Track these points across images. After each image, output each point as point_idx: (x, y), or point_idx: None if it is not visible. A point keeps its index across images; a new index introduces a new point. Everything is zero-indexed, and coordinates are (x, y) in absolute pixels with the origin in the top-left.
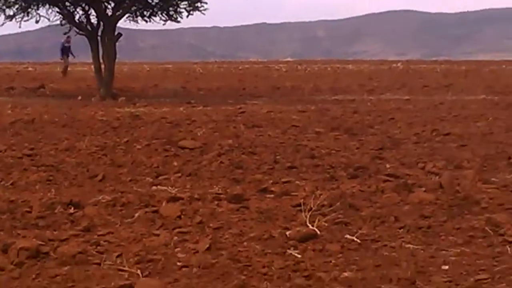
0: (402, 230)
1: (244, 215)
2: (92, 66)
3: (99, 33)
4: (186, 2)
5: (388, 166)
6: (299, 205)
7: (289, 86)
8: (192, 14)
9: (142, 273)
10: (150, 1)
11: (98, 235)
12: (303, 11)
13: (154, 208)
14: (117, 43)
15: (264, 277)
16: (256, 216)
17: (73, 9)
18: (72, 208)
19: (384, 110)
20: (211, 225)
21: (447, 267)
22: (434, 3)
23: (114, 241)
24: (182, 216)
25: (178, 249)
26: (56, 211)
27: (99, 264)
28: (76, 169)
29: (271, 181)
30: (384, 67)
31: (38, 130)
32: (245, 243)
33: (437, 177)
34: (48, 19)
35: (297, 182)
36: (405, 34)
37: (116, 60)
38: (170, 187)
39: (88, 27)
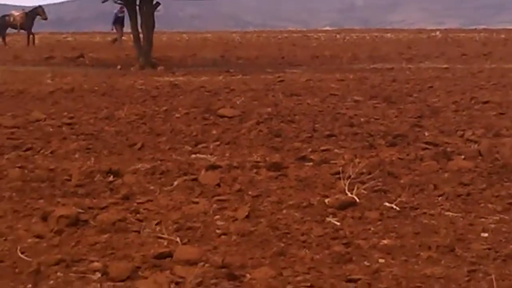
0: (441, 198)
1: (283, 183)
2: (131, 36)
3: (138, 2)
4: None
5: (427, 134)
6: (338, 173)
7: (328, 55)
8: None
9: (181, 241)
10: None
11: (137, 203)
12: None
13: (193, 176)
14: (155, 13)
15: (303, 244)
16: (295, 184)
17: None
18: (111, 176)
19: (422, 79)
20: (250, 193)
21: (486, 234)
22: None
23: (153, 209)
24: (221, 184)
25: (217, 217)
26: (95, 179)
27: (138, 231)
28: (115, 138)
29: (309, 149)
30: (423, 35)
31: (78, 99)
32: (284, 211)
33: (476, 145)
34: None
35: (335, 150)
36: (443, 3)
37: (155, 30)
38: (209, 155)
39: None
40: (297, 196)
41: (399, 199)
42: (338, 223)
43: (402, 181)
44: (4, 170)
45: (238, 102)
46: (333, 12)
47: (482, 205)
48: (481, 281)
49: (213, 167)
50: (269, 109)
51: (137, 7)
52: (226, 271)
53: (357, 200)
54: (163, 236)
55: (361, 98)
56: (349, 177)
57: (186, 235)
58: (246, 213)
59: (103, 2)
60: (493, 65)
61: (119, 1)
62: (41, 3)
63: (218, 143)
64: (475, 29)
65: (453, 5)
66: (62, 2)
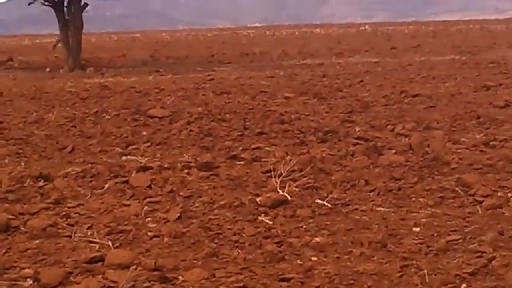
0: (372, 193)
1: (215, 183)
2: (59, 38)
3: (65, 4)
4: None
5: (357, 129)
6: (269, 171)
7: (258, 52)
8: None
9: (113, 245)
10: None
11: (68, 208)
12: None
13: (124, 179)
14: (84, 14)
15: (235, 244)
16: (227, 184)
17: None
18: (42, 181)
19: (352, 73)
20: (181, 194)
21: (418, 229)
22: None
23: (84, 213)
24: (152, 186)
25: (149, 219)
26: (25, 184)
27: (69, 236)
28: (45, 142)
29: (241, 148)
30: (352, 30)
31: (7, 103)
32: (216, 211)
33: (407, 138)
34: None
35: (267, 148)
36: None
37: (84, 31)
38: (139, 157)
39: None
40: (229, 196)
41: (330, 195)
42: (270, 222)
43: (333, 178)
44: None
45: (168, 102)
46: (262, 8)
47: (413, 199)
48: (414, 276)
49: (144, 168)
50: (200, 108)
51: (65, 9)
52: (158, 274)
53: (289, 198)
54: (94, 240)
55: (291, 94)
56: (281, 175)
57: (117, 238)
58: (178, 215)
59: (29, 4)
60: (422, 58)
61: (46, 3)
62: None
63: (148, 144)
64: (404, 22)
65: None
66: None
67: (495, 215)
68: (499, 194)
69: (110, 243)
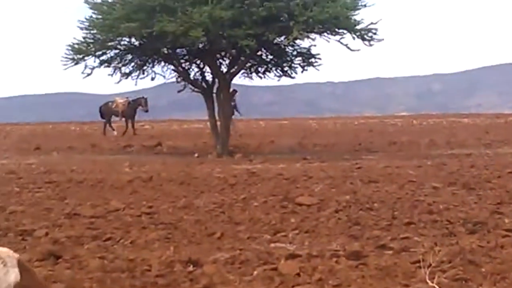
0: None
1: (363, 272)
2: (208, 123)
3: (214, 90)
4: (300, 58)
5: (507, 221)
6: (418, 261)
7: (405, 141)
8: (306, 70)
9: None
10: (265, 57)
11: None
12: (417, 65)
13: (273, 266)
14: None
15: None
16: (375, 273)
17: (188, 67)
18: (191, 266)
19: (502, 164)
20: (330, 282)
21: None
22: None
23: None
24: (301, 274)
25: None
26: (175, 269)
27: None
28: (194, 227)
29: (389, 237)
30: (500, 120)
31: (156, 188)
32: None
33: None
34: (164, 77)
35: (415, 238)
36: None
37: (232, 117)
38: (288, 244)
39: (203, 84)
40: (378, 286)
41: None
42: None
43: (483, 270)
44: (84, 261)
45: (316, 190)
46: (409, 97)
47: None
48: None
49: (292, 256)
50: (348, 197)
51: (214, 95)
52: None
53: None
54: None
55: (439, 184)
56: (430, 265)
57: None
58: None
59: (179, 92)
60: None
61: (196, 90)
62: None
63: (297, 231)
64: None
65: None
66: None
67: None
68: None
69: None
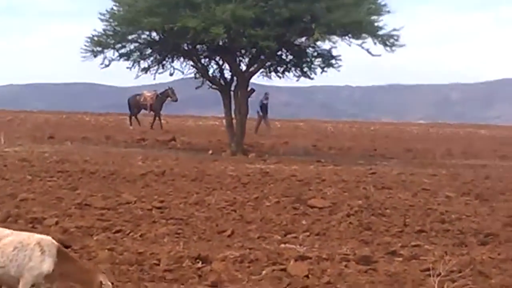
0: None
1: (373, 278)
2: (224, 121)
3: (232, 88)
4: (320, 59)
5: None
6: (428, 269)
7: (421, 148)
8: (326, 71)
9: None
10: (284, 57)
11: None
12: (437, 73)
13: (282, 266)
14: (249, 99)
15: None
16: (384, 279)
17: (207, 63)
18: (200, 263)
19: None
20: (338, 286)
21: None
22: None
23: None
24: (310, 276)
25: None
26: (184, 264)
27: None
28: (205, 224)
29: (400, 244)
30: None
31: (168, 183)
32: None
33: None
34: (182, 72)
35: (426, 246)
36: None
37: (248, 116)
38: (298, 246)
39: (221, 81)
40: None
41: None
42: None
43: (493, 281)
44: (93, 251)
45: (328, 193)
46: (427, 105)
47: None
48: None
49: (302, 257)
50: (360, 202)
51: (231, 93)
52: None
53: None
54: None
55: (453, 194)
56: (439, 274)
57: None
58: None
59: (197, 88)
60: None
61: (213, 87)
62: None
63: (307, 233)
64: None
65: None
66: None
67: None
68: None
69: None
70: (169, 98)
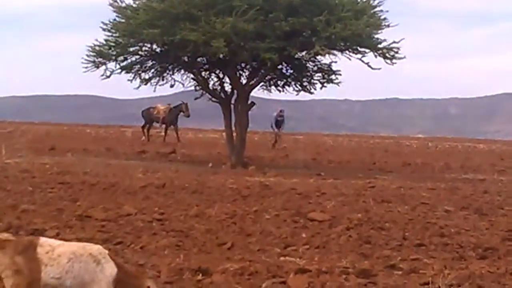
0: None
1: None
2: (224, 134)
3: (232, 101)
4: (320, 74)
5: None
6: (427, 283)
7: (420, 162)
8: (326, 86)
9: None
10: (285, 71)
11: None
12: (436, 87)
13: (282, 279)
14: (249, 112)
15: None
16: None
17: (208, 76)
18: (200, 275)
19: None
20: None
21: None
22: None
23: None
24: None
25: None
26: (184, 276)
27: None
28: (205, 236)
29: (399, 258)
30: None
31: (168, 195)
32: None
33: None
34: (183, 84)
35: (425, 260)
36: None
37: (248, 129)
38: (298, 259)
39: (222, 94)
40: None
41: None
42: None
43: None
44: None
45: (328, 206)
46: (426, 119)
47: None
48: None
49: (302, 271)
50: (359, 215)
51: (232, 106)
52: None
53: None
54: None
55: (452, 208)
56: None
57: None
58: None
59: (195, 99)
60: None
61: (213, 100)
62: (136, 97)
63: (307, 246)
64: None
65: None
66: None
67: None
68: None
69: None
70: (182, 112)
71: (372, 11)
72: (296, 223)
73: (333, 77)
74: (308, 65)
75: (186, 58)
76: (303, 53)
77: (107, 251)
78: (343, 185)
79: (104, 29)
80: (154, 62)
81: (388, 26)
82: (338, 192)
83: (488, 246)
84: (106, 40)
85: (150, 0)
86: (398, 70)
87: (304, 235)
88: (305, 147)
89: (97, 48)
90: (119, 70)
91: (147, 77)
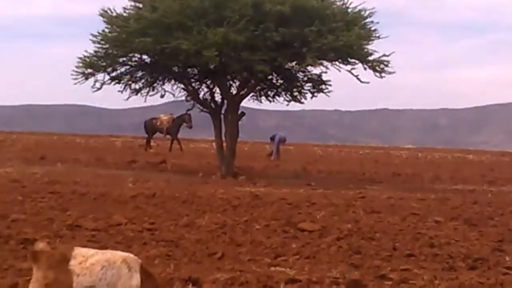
0: None
1: None
2: (214, 144)
3: (223, 111)
4: (310, 84)
5: (507, 258)
6: None
7: (410, 173)
8: (316, 96)
9: None
10: (275, 82)
11: None
12: (426, 98)
13: None
14: (239, 122)
15: None
16: None
17: (198, 86)
18: (191, 285)
19: (504, 202)
20: None
21: None
22: None
23: None
24: None
25: None
26: (174, 286)
27: None
28: (195, 246)
29: (389, 268)
30: (506, 158)
31: (159, 205)
32: None
33: None
34: (173, 95)
35: (415, 270)
36: None
37: (238, 139)
38: (288, 269)
39: (212, 104)
40: None
41: None
42: None
43: None
44: None
45: (318, 217)
46: (416, 130)
47: None
48: None
49: (292, 280)
50: (350, 225)
51: (222, 116)
52: None
53: None
54: None
55: (441, 219)
56: None
57: None
58: None
59: (187, 111)
60: None
61: (204, 110)
62: (126, 107)
63: (297, 256)
64: None
65: None
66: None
67: None
68: None
69: None
70: (185, 123)
71: (363, 22)
72: (286, 233)
73: (323, 87)
74: (298, 75)
75: (176, 69)
76: (294, 63)
77: (140, 261)
78: (333, 195)
79: (93, 41)
80: (144, 72)
81: (379, 37)
82: (328, 203)
83: (478, 256)
84: (95, 51)
85: (141, 9)
86: (388, 81)
87: (294, 245)
88: (295, 157)
89: (87, 60)
90: (109, 81)
91: (137, 87)
